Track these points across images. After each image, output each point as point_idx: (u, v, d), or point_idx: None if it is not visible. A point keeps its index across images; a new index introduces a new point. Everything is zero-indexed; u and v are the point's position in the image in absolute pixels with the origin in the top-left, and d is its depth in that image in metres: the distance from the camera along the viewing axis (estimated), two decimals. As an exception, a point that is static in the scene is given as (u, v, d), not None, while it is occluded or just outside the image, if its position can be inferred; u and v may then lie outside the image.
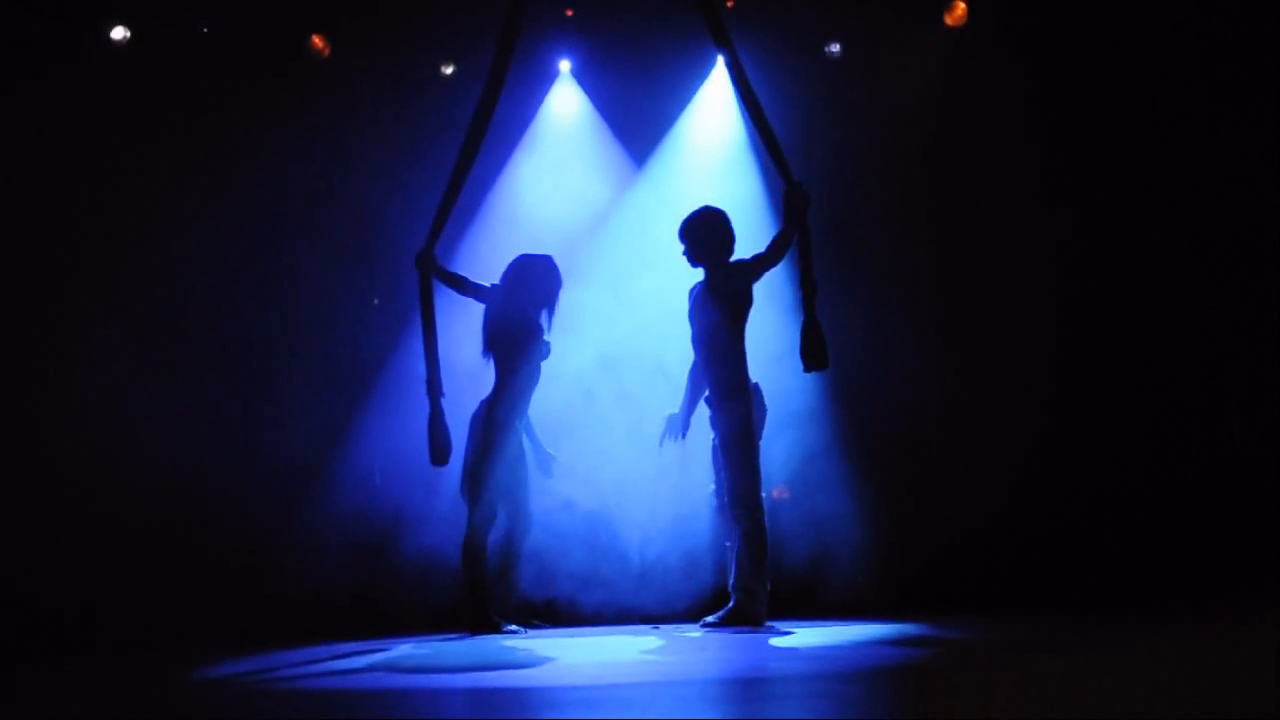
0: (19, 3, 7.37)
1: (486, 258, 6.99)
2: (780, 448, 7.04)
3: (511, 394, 6.32)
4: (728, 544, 6.30)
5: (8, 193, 7.39)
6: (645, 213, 7.65)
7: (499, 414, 6.28)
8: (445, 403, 6.31)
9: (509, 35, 6.21)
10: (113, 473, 7.27)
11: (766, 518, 6.13)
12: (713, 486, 6.37)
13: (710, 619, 6.17)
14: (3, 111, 7.39)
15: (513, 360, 6.32)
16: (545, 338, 6.41)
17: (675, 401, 6.50)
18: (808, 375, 6.30)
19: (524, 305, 6.38)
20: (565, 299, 6.51)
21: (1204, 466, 7.29)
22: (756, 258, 6.19)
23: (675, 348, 6.58)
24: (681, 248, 6.33)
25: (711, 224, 6.31)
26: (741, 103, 6.30)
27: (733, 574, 6.16)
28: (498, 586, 6.38)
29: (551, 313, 6.44)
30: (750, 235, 6.60)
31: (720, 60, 7.75)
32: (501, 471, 6.26)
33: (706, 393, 6.24)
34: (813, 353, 6.01)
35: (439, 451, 6.27)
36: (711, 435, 6.27)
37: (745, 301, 6.21)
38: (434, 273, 6.37)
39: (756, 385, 6.24)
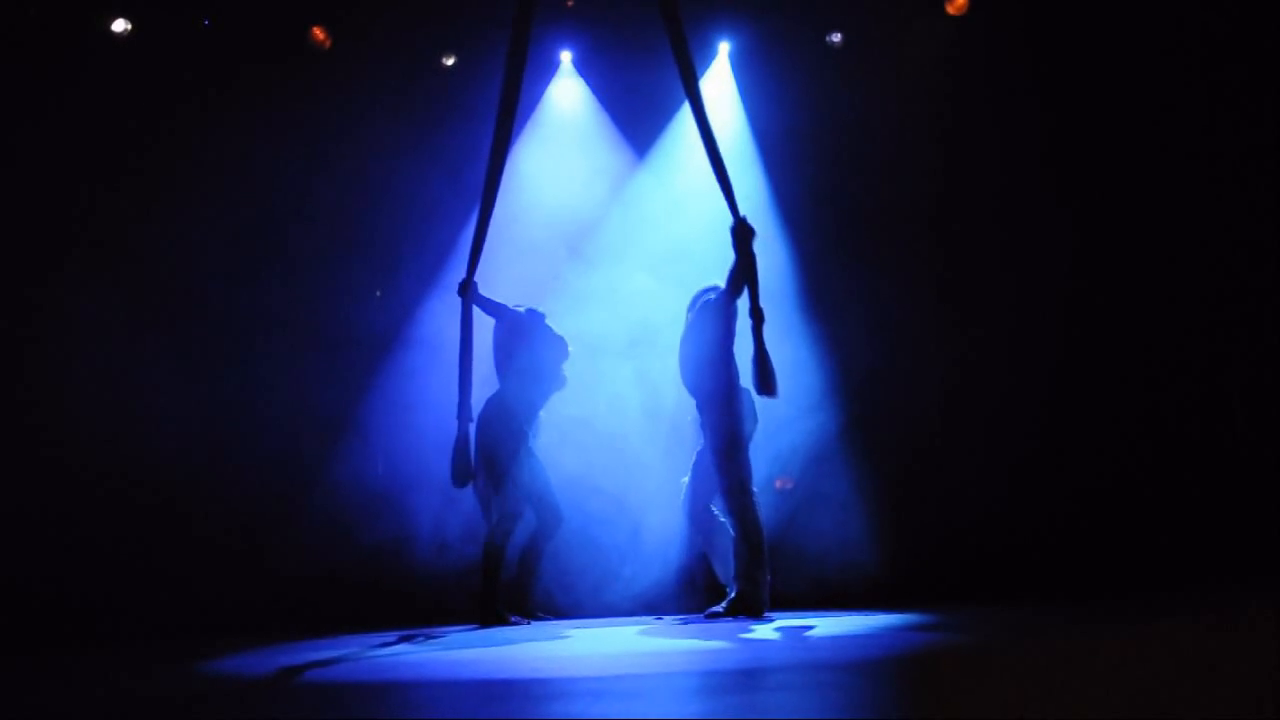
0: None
1: (487, 251, 7.00)
2: (785, 441, 7.07)
3: (527, 399, 6.50)
4: (701, 547, 6.52)
5: (8, 183, 7.40)
6: (645, 203, 7.67)
7: (518, 419, 6.45)
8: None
9: (513, 83, 6.25)
10: (112, 462, 7.27)
11: (760, 511, 6.21)
12: (685, 480, 6.49)
13: (715, 609, 6.25)
14: (2, 103, 7.40)
15: (529, 368, 6.50)
16: (558, 340, 6.58)
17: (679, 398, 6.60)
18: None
19: (532, 324, 6.58)
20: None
21: (1205, 462, 7.29)
22: (720, 297, 6.26)
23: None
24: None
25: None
26: (701, 133, 6.27)
27: (732, 567, 6.24)
28: (519, 580, 6.52)
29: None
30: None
31: (721, 49, 7.79)
32: (524, 474, 6.43)
33: (695, 402, 6.32)
34: (762, 380, 6.10)
35: (462, 475, 6.40)
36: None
37: (728, 334, 6.27)
38: (475, 301, 6.53)
39: (746, 390, 6.33)
